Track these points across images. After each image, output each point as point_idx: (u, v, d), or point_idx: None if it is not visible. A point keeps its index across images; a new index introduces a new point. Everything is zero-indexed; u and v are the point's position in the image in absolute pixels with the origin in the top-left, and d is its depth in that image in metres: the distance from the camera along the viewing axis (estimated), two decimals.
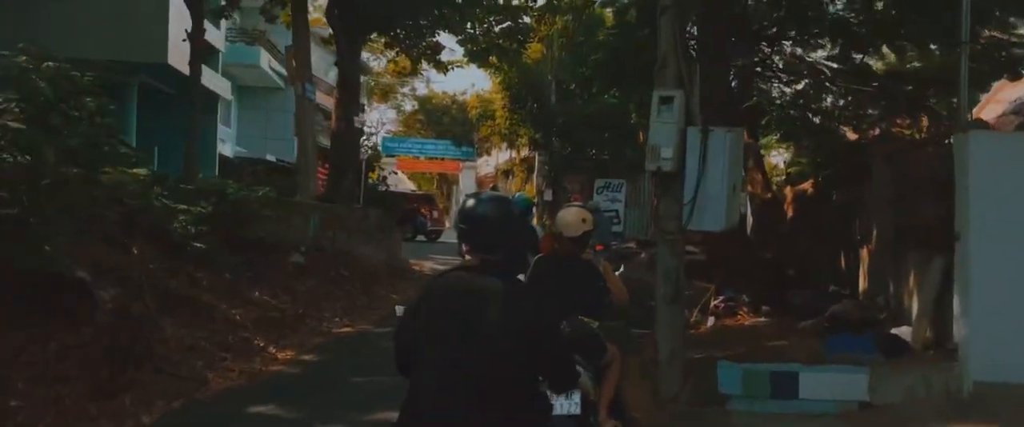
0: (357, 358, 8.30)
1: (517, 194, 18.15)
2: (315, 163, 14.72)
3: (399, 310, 3.11)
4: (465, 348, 2.57)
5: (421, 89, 53.62)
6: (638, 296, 6.59)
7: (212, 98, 25.82)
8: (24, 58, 5.48)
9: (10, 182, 5.12)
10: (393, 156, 48.44)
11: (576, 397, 3.95)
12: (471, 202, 2.81)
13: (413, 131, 55.72)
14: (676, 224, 6.49)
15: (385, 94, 50.61)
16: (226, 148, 30.47)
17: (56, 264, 5.75)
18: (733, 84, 12.40)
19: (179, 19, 20.16)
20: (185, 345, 7.44)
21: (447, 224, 41.61)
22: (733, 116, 10.02)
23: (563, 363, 2.82)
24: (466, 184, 48.43)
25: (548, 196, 25.47)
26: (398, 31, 19.37)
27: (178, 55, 20.64)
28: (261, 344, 8.25)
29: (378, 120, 61.55)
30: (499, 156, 42.95)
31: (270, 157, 32.79)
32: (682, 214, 6.37)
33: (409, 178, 62.82)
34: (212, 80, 25.28)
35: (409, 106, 56.27)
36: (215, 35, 26.41)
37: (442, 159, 49.69)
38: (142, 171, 8.78)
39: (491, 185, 25.47)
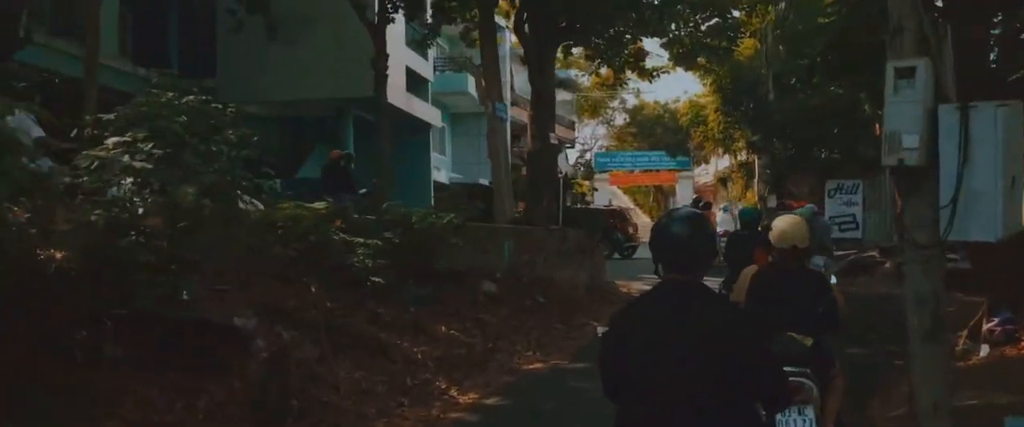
0: (546, 402, 7.36)
1: (742, 206, 16.52)
2: (510, 185, 14.14)
3: (600, 331, 3.18)
4: (676, 369, 2.53)
5: (631, 100, 52.56)
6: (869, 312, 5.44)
7: (423, 126, 26.56)
8: (159, 94, 5.16)
9: (143, 227, 4.76)
10: (606, 172, 47.72)
11: (809, 413, 3.98)
12: (667, 221, 2.77)
13: (626, 144, 54.68)
14: (930, 235, 4.80)
15: (594, 109, 50.00)
16: (441, 175, 31.24)
17: (197, 311, 5.38)
18: (992, 53, 10.11)
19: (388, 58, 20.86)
20: (359, 389, 6.90)
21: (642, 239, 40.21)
22: (997, 91, 7.95)
23: (775, 382, 2.72)
24: (683, 195, 46.50)
25: (771, 203, 23.26)
26: (596, 40, 18.53)
27: (388, 89, 21.32)
28: (443, 386, 7.56)
29: (590, 136, 61.36)
30: (718, 163, 40.67)
31: (483, 181, 33.22)
32: (938, 221, 4.75)
33: (624, 193, 61.91)
34: (422, 109, 25.97)
35: (620, 119, 55.41)
36: (422, 65, 27.19)
37: (657, 171, 48.16)
38: (320, 205, 8.52)
39: (698, 198, 23.71)
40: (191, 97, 5.18)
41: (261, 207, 6.35)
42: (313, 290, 7.74)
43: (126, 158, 4.58)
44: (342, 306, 7.87)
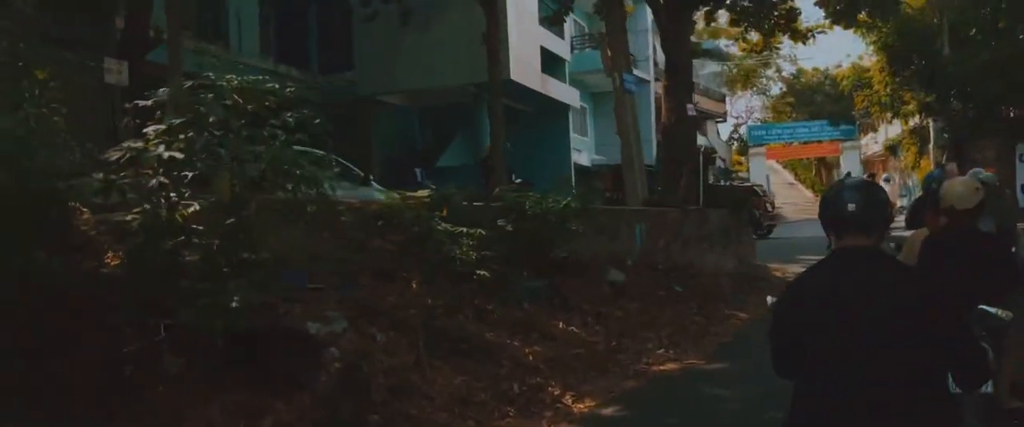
0: (672, 415, 6.36)
1: (932, 171, 14.58)
2: (642, 163, 13.04)
3: (770, 300, 3.14)
4: (867, 340, 2.42)
5: (788, 69, 49.29)
6: None
7: (560, 108, 25.69)
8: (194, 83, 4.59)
9: (188, 226, 4.21)
10: (761, 145, 44.98)
11: None
12: (839, 188, 2.71)
13: (783, 116, 51.42)
14: None
15: (747, 80, 47.27)
16: (582, 157, 30.28)
17: (269, 317, 4.82)
18: None
19: (519, 38, 20.16)
20: (458, 398, 6.17)
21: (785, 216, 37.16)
22: None
23: (971, 352, 2.53)
24: (848, 166, 42.92)
25: (950, 171, 20.69)
26: (740, 1, 16.96)
27: (520, 70, 20.64)
28: (556, 392, 6.70)
29: (745, 109, 58.19)
30: (887, 131, 37.19)
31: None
32: None
33: (784, 167, 58.43)
34: (558, 90, 25.07)
35: (776, 90, 52.14)
36: (558, 44, 26.30)
37: (818, 142, 44.85)
38: (423, 192, 7.88)
39: (871, 170, 21.62)
40: (235, 77, 4.56)
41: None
42: (414, 287, 7.11)
43: (161, 148, 4.04)
44: (445, 303, 7.16)
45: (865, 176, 19.97)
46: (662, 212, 11.53)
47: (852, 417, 2.39)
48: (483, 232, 7.33)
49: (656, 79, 34.68)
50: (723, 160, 39.72)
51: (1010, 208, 9.05)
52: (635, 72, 29.75)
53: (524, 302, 8.02)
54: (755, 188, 24.38)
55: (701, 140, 41.32)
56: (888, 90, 21.57)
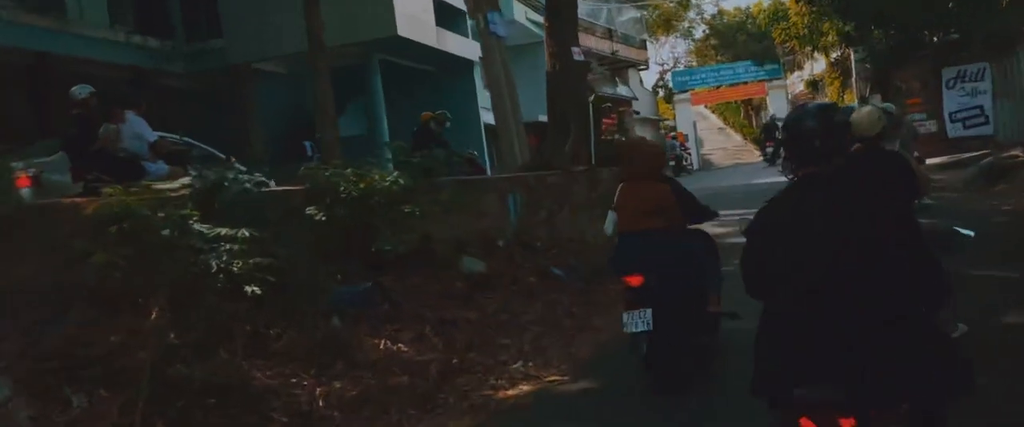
0: None
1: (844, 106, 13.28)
2: (519, 121, 11.12)
3: (741, 228, 2.94)
4: (839, 257, 2.51)
5: (711, 10, 47.79)
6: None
7: (464, 64, 23.50)
8: None
9: None
10: (686, 91, 43.51)
11: None
12: (799, 115, 2.84)
13: (709, 60, 50.01)
14: None
15: (668, 24, 45.56)
16: (491, 116, 28.27)
17: None
18: None
19: None
20: None
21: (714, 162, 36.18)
22: None
23: (936, 277, 2.71)
24: (776, 107, 41.80)
25: (876, 103, 19.28)
26: None
27: (409, 25, 18.45)
28: None
29: (670, 55, 56.62)
30: (814, 67, 35.93)
31: (543, 119, 29.95)
32: None
33: (712, 111, 57.25)
34: (458, 45, 22.81)
35: (700, 33, 50.58)
36: None
37: (744, 84, 43.55)
38: (172, 184, 5.80)
39: (774, 116, 20.35)
40: None
41: None
42: (153, 316, 5.08)
43: None
44: (198, 337, 5.14)
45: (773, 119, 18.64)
46: (541, 177, 9.61)
47: (824, 338, 2.45)
48: (251, 233, 5.29)
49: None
50: (638, 112, 38.06)
51: (908, 133, 10.37)
52: (517, 17, 27.51)
53: (335, 316, 6.04)
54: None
55: (622, 90, 39.61)
56: (806, 22, 19.98)
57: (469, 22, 26.08)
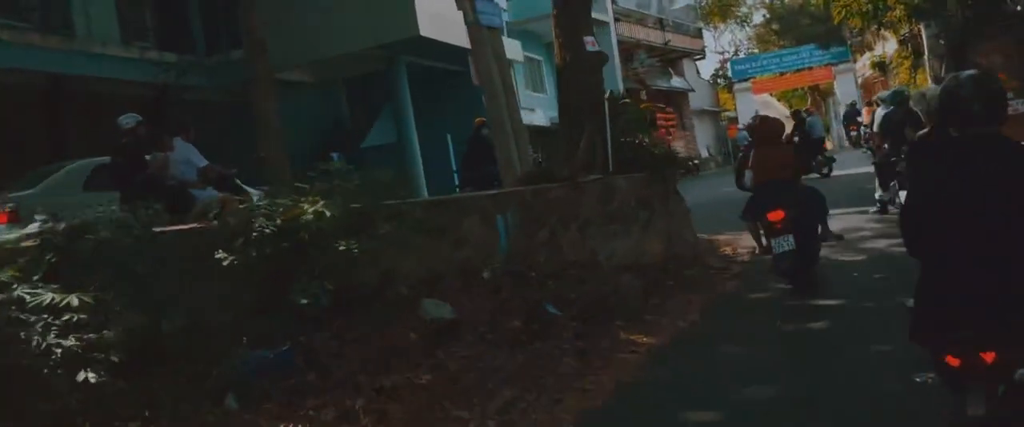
0: None
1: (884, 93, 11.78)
2: (519, 123, 9.66)
3: (900, 196, 4.90)
4: (1005, 211, 2.70)
5: None
6: None
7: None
8: None
9: None
10: (746, 79, 41.20)
11: None
12: (957, 82, 2.96)
13: (771, 46, 47.47)
14: None
15: (725, 11, 43.27)
16: (538, 116, 26.72)
17: None
18: None
19: None
20: None
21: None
22: None
23: None
24: (845, 92, 39.10)
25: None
26: None
27: (433, 25, 17.24)
28: None
29: (730, 43, 54.11)
30: (885, 48, 33.26)
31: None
32: None
33: (779, 100, 54.48)
34: None
35: (760, 18, 48.05)
36: None
37: (809, 69, 40.99)
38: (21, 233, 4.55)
39: (797, 111, 18.55)
40: None
41: None
42: None
43: None
44: None
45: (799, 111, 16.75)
46: (541, 191, 8.09)
47: (986, 287, 2.67)
48: (83, 299, 3.99)
49: (616, 19, 31.02)
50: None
51: None
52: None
53: (231, 394, 4.70)
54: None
55: (677, 81, 37.60)
56: None
57: (505, 19, 24.82)
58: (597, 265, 8.05)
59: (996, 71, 16.95)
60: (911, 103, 9.95)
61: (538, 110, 27.49)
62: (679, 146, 37.57)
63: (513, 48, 23.19)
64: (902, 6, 17.33)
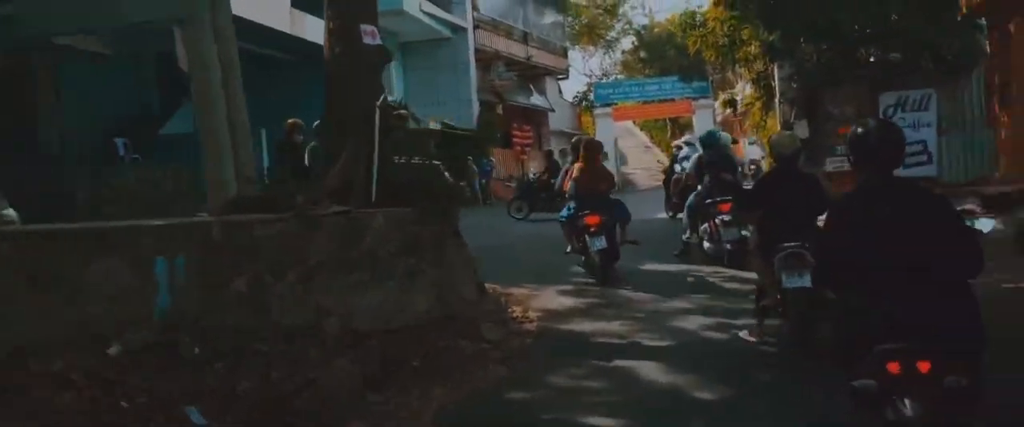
0: None
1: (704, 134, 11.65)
2: (239, 127, 7.34)
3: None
4: (918, 248, 3.20)
5: (641, 20, 44.71)
6: None
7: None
8: None
9: None
10: (608, 105, 40.27)
11: (807, 276, 5.57)
12: (870, 129, 3.51)
13: (636, 73, 47.00)
14: None
15: (592, 33, 42.30)
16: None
17: None
18: None
19: None
20: None
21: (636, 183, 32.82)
22: None
23: (974, 244, 3.37)
24: (702, 127, 38.79)
25: (801, 131, 16.01)
26: None
27: (251, 5, 14.60)
28: None
29: (598, 66, 53.45)
30: (747, 87, 32.87)
31: (434, 124, 25.92)
32: None
33: (641, 129, 54.39)
34: (319, 31, 19.07)
35: (629, 44, 47.48)
36: None
37: (671, 100, 40.45)
38: None
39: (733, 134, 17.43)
40: None
41: None
42: None
43: None
44: None
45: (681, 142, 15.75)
46: (238, 225, 5.72)
47: (901, 314, 3.15)
48: None
49: (475, 26, 29.09)
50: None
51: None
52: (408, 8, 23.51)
53: None
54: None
55: (537, 99, 36.09)
56: (726, 29, 16.67)
57: None
58: (320, 332, 5.78)
59: (847, 121, 16.08)
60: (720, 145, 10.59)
61: None
62: (534, 166, 36.04)
63: None
64: (757, 43, 16.14)
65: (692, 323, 7.15)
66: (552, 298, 8.40)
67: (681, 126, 44.95)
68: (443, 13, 26.69)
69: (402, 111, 7.52)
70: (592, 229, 8.88)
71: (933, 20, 14.26)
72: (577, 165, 9.68)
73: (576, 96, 43.03)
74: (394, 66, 27.66)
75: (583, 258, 9.40)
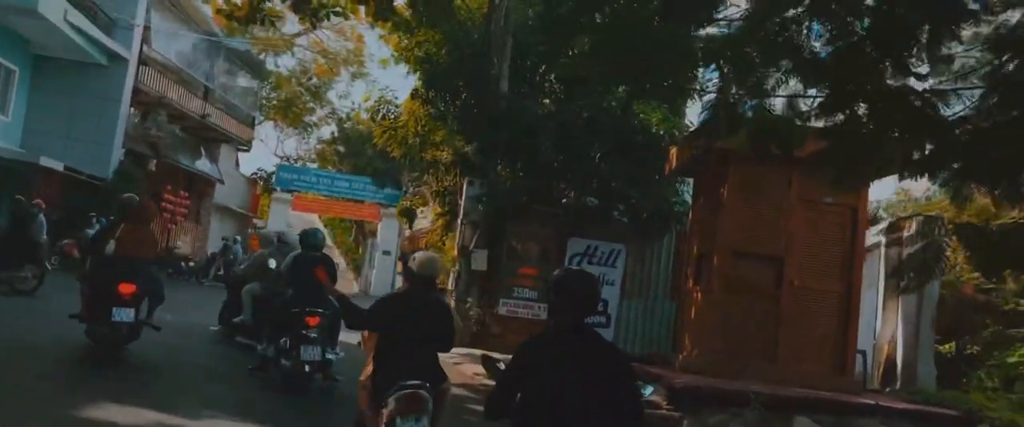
0: None
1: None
2: None
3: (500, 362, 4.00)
4: (593, 394, 3.40)
5: (345, 107, 41.94)
6: None
7: None
8: None
9: None
10: (291, 191, 36.32)
11: (424, 421, 4.94)
12: (572, 277, 3.78)
13: (330, 165, 43.61)
14: None
15: (287, 110, 38.51)
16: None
17: None
18: None
19: None
20: None
21: None
22: None
23: (638, 399, 3.62)
24: (386, 239, 36.22)
25: (479, 262, 13.59)
26: None
27: None
28: None
29: (295, 151, 49.30)
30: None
31: (54, 164, 20.22)
32: None
33: (326, 225, 50.49)
34: None
35: (329, 133, 44.26)
36: None
37: (360, 201, 37.46)
38: None
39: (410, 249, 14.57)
40: None
41: None
42: None
43: None
44: None
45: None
46: None
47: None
48: None
49: (143, 63, 24.17)
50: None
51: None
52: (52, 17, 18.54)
53: None
54: None
55: (203, 164, 31.24)
56: (422, 125, 14.14)
57: None
58: None
59: (529, 261, 14.10)
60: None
61: None
62: (185, 240, 30.66)
63: None
64: (450, 150, 13.73)
65: None
66: None
67: (366, 232, 42.05)
68: (99, 34, 21.57)
69: None
70: (125, 298, 8.20)
71: (632, 177, 12.81)
72: (123, 225, 8.74)
73: (255, 173, 38.41)
74: (17, 77, 21.70)
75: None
